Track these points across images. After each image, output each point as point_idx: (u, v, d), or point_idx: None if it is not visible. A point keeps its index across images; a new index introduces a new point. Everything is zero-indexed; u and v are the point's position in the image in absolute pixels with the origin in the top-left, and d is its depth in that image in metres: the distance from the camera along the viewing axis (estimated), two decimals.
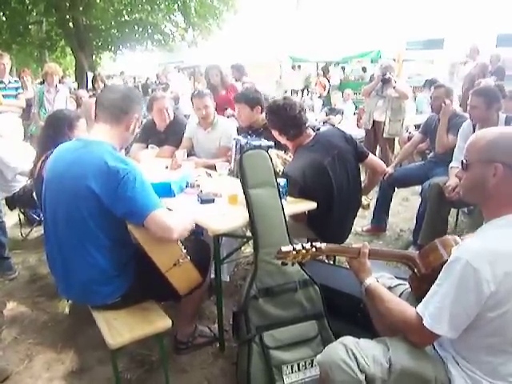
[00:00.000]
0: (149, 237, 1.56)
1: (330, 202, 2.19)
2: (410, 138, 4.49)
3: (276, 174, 1.91)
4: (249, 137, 2.81)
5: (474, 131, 2.86)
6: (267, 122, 2.38)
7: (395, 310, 1.25)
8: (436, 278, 1.17)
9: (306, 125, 2.27)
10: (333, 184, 2.18)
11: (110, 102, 1.63)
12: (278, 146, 2.49)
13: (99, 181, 1.49)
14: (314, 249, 1.36)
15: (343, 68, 11.52)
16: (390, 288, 1.52)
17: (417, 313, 1.17)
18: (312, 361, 1.67)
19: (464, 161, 1.20)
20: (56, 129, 2.34)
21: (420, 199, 3.12)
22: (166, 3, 12.33)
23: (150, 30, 12.73)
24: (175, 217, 1.62)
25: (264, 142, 2.43)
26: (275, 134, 2.33)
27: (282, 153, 2.42)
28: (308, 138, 2.27)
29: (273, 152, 2.36)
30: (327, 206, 2.17)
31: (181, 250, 1.63)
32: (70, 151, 1.62)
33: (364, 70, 10.72)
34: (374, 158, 2.48)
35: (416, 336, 1.20)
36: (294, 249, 1.35)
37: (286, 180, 2.04)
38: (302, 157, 2.20)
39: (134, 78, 12.79)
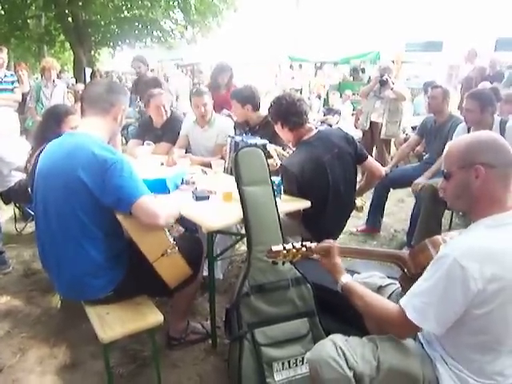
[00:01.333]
0: (137, 226, 1.57)
1: (325, 200, 2.21)
2: (406, 140, 4.52)
3: (270, 172, 1.92)
4: (244, 134, 2.82)
5: (468, 133, 2.88)
6: (270, 116, 2.39)
7: (375, 304, 1.26)
8: None
9: (307, 115, 2.29)
10: (329, 181, 2.19)
11: (97, 96, 1.67)
12: (276, 144, 2.51)
13: (88, 171, 1.51)
14: (304, 248, 1.36)
15: (354, 69, 11.37)
16: (380, 287, 1.54)
17: (399, 305, 1.18)
18: (303, 358, 1.68)
19: (444, 171, 1.23)
20: (49, 124, 2.35)
21: (415, 200, 3.14)
22: (166, 0, 12.28)
23: (149, 27, 12.64)
24: (161, 203, 1.65)
25: (259, 141, 2.44)
26: (278, 127, 2.34)
27: (280, 149, 2.44)
28: (310, 133, 2.29)
29: (271, 147, 2.38)
30: (322, 204, 2.19)
31: (168, 240, 1.64)
32: (59, 146, 1.64)
33: (363, 71, 10.73)
34: (372, 162, 2.48)
35: (397, 328, 1.20)
36: (284, 248, 1.35)
37: (280, 178, 2.05)
38: (302, 151, 2.23)
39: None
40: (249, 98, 2.90)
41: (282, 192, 2.13)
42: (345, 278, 1.35)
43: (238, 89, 3.18)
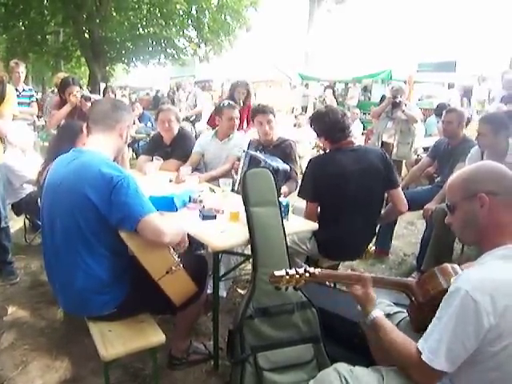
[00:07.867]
0: (141, 244, 1.57)
1: (339, 208, 2.21)
2: (417, 161, 4.47)
3: (279, 194, 1.91)
4: (258, 152, 2.82)
5: (482, 158, 2.84)
6: (313, 130, 2.44)
7: (399, 346, 1.18)
8: (435, 307, 1.14)
9: (349, 129, 2.34)
10: (347, 191, 2.19)
11: (102, 114, 1.70)
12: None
13: (94, 188, 1.52)
14: (307, 274, 1.33)
15: (364, 89, 11.27)
16: (388, 315, 1.49)
17: (417, 348, 1.12)
18: None
19: (448, 204, 1.22)
20: (64, 139, 2.38)
21: (425, 223, 3.09)
22: (180, 18, 12.61)
23: (163, 44, 12.99)
24: (167, 222, 1.65)
25: (282, 165, 2.45)
26: (321, 140, 2.42)
27: None
28: (349, 145, 2.33)
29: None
30: (335, 211, 2.21)
31: (173, 257, 1.63)
32: (66, 162, 1.66)
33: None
34: (400, 194, 2.42)
35: (417, 373, 1.13)
36: (287, 273, 1.32)
37: (287, 200, 2.04)
38: (332, 155, 2.33)
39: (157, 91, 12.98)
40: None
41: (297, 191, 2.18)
42: (376, 313, 1.28)
43: (264, 105, 3.24)
